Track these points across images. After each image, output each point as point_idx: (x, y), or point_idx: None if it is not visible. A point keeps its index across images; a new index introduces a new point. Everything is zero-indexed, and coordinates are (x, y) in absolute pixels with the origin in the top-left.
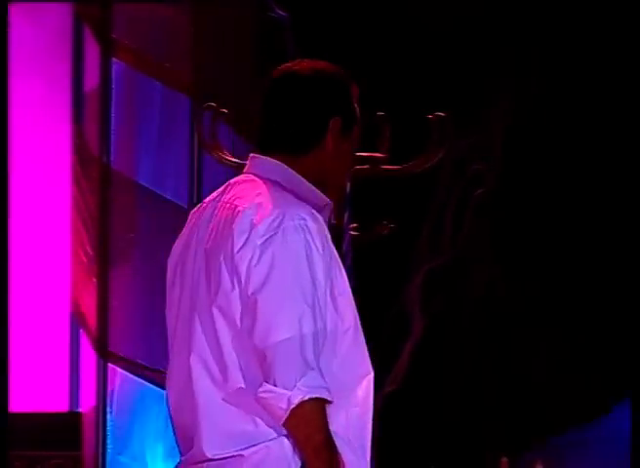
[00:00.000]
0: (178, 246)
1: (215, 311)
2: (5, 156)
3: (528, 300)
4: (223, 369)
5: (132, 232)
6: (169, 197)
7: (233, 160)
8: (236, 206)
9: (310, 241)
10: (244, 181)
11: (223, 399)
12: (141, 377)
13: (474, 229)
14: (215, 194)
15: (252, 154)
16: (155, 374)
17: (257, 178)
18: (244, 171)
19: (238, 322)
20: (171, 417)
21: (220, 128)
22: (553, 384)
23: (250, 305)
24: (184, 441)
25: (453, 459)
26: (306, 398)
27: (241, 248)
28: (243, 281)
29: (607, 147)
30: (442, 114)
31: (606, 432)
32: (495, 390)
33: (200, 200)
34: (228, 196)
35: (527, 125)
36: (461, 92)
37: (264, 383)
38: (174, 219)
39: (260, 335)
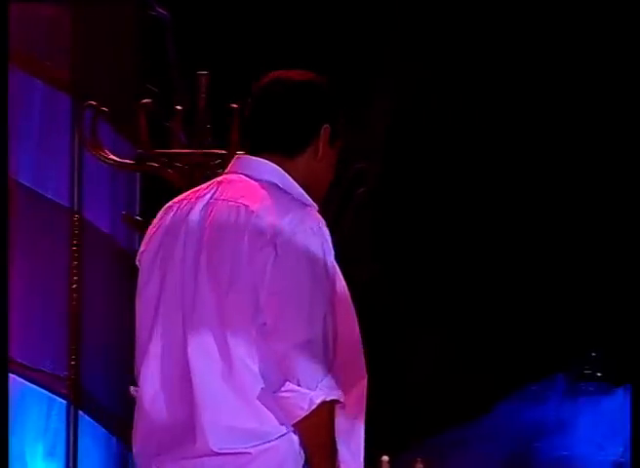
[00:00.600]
0: (151, 244)
1: (224, 306)
2: (5, 158)
3: (407, 299)
4: (229, 364)
5: (12, 231)
6: (50, 196)
7: (114, 158)
8: (246, 206)
9: (325, 245)
10: (238, 181)
11: (227, 394)
12: (22, 377)
13: (354, 228)
14: (199, 192)
15: (239, 154)
16: (36, 374)
17: (250, 180)
18: (229, 170)
19: (250, 318)
20: (145, 415)
21: (100, 126)
22: (433, 384)
23: (270, 305)
24: (172, 437)
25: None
26: (328, 399)
27: (260, 248)
28: (261, 280)
29: (484, 146)
30: None
31: (486, 430)
32: (374, 389)
33: (81, 199)
34: (227, 194)
35: (407, 124)
36: (342, 92)
37: (287, 382)
38: (55, 218)
39: (283, 336)
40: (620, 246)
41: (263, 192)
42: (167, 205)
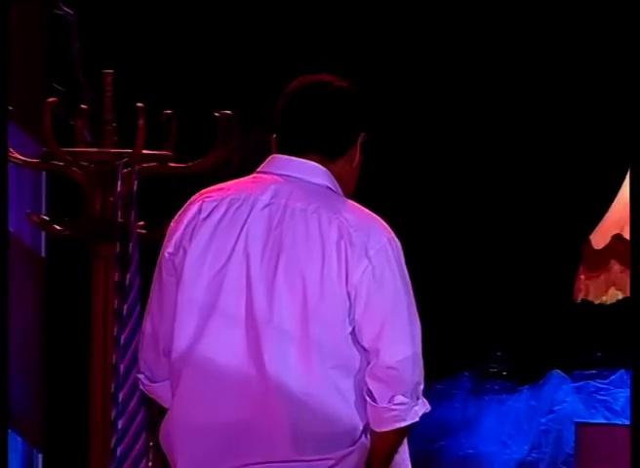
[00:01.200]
0: (197, 241)
1: (309, 315)
2: (5, 156)
3: None
4: (307, 369)
5: None
6: None
7: (19, 157)
8: (330, 218)
9: (402, 255)
10: (291, 183)
11: (303, 398)
12: None
13: None
14: (249, 191)
15: (278, 155)
16: None
17: (302, 182)
18: (269, 170)
19: (340, 329)
20: (188, 415)
21: None
22: None
23: (372, 320)
24: (226, 438)
25: None
26: (426, 411)
27: (358, 260)
28: (358, 293)
29: (398, 143)
30: (228, 112)
31: None
32: None
33: None
34: (296, 200)
35: None
36: (247, 91)
37: (398, 395)
38: None
39: (390, 352)
40: (525, 249)
41: (337, 199)
42: (206, 199)
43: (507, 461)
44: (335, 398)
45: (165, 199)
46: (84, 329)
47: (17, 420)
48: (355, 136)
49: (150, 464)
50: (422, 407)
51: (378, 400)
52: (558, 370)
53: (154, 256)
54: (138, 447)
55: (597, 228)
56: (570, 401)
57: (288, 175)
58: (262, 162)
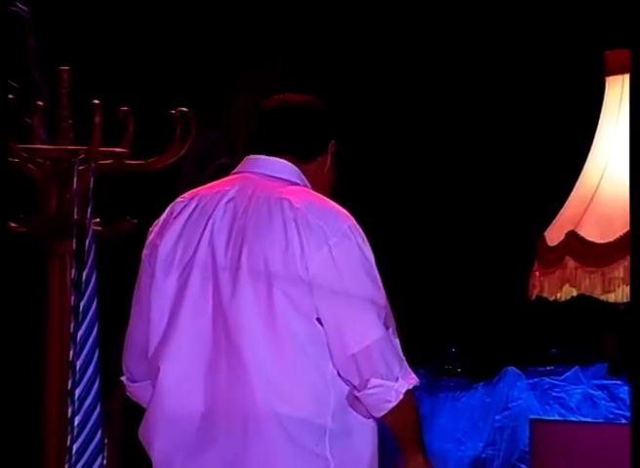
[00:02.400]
0: (167, 237)
1: (271, 302)
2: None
3: None
4: (280, 353)
5: None
6: None
7: None
8: (289, 200)
9: (365, 241)
10: (261, 179)
11: (281, 382)
12: None
13: None
14: (218, 188)
15: (252, 155)
16: None
17: (272, 178)
18: (242, 169)
19: (303, 316)
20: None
21: None
22: None
23: (335, 308)
24: (206, 429)
25: None
26: (411, 387)
27: (317, 247)
28: (320, 281)
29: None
30: (185, 110)
31: None
32: None
33: None
34: (260, 190)
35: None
36: (203, 88)
37: (372, 379)
38: None
39: (354, 339)
40: (480, 245)
41: (294, 188)
42: (178, 200)
43: (462, 458)
44: (314, 378)
45: (121, 196)
46: (39, 326)
47: None
48: (325, 142)
49: (105, 462)
50: (404, 383)
51: (357, 387)
52: (513, 367)
53: (110, 254)
54: (94, 444)
55: (552, 225)
56: (524, 397)
57: (259, 173)
58: (215, 160)
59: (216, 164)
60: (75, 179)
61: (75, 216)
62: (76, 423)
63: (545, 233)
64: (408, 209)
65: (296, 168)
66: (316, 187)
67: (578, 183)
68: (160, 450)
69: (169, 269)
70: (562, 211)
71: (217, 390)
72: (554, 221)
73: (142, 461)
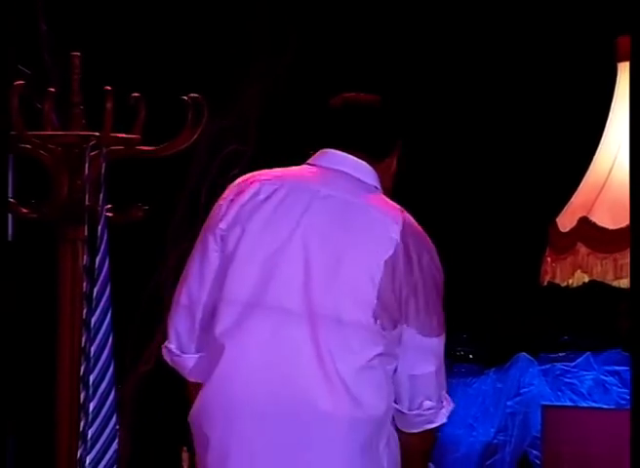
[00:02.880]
0: (257, 220)
1: (344, 309)
2: (5, 157)
3: None
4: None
5: None
6: None
7: None
8: (391, 221)
9: (440, 270)
10: (343, 178)
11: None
12: None
13: None
14: (304, 179)
15: (330, 150)
16: None
17: (356, 180)
18: (319, 163)
19: (371, 317)
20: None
21: None
22: None
23: (407, 330)
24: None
25: None
26: (451, 410)
27: (409, 274)
28: (403, 303)
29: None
30: (196, 95)
31: None
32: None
33: None
34: (357, 200)
35: (279, 108)
36: (215, 74)
37: (426, 401)
38: None
39: (420, 359)
40: (492, 231)
41: (389, 204)
42: (264, 180)
43: (473, 444)
44: (382, 381)
45: (133, 182)
46: (51, 312)
47: None
48: (395, 141)
49: (117, 447)
50: (448, 407)
51: (407, 406)
52: (524, 353)
53: (122, 239)
54: (109, 429)
55: (563, 211)
56: (536, 383)
57: (342, 171)
58: (227, 146)
59: (228, 150)
60: (87, 166)
61: (87, 203)
62: (91, 409)
63: (557, 219)
64: (420, 195)
65: (371, 169)
66: (383, 187)
67: (589, 169)
68: (219, 437)
69: (253, 254)
70: (574, 197)
71: (286, 384)
72: (566, 207)
73: (154, 447)
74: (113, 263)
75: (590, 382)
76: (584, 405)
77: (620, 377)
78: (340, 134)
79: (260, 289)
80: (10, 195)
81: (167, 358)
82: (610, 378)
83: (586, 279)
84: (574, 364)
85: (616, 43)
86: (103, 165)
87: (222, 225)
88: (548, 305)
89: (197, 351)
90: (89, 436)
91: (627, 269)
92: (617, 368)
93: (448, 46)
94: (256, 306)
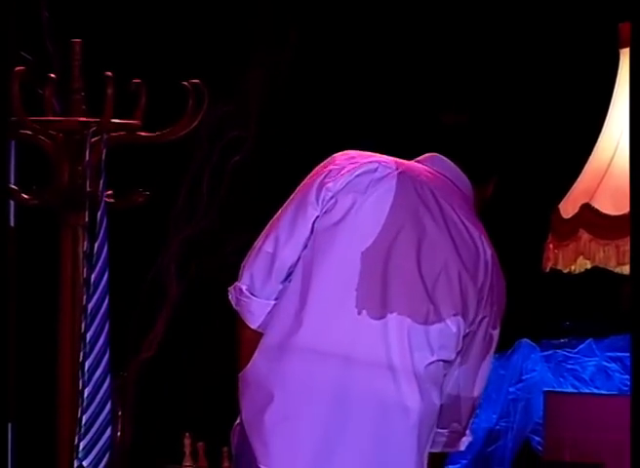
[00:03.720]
0: (374, 204)
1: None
2: (5, 159)
3: None
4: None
5: None
6: None
7: None
8: (482, 242)
9: None
10: (450, 187)
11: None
12: None
13: (231, 197)
14: (422, 178)
15: (438, 155)
16: None
17: (458, 188)
18: (429, 163)
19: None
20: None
21: None
22: None
23: (466, 348)
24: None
25: (206, 426)
26: (469, 442)
27: (486, 307)
28: (473, 331)
29: (355, 117)
30: (197, 81)
31: None
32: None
33: None
34: (456, 205)
35: (281, 94)
36: (216, 61)
37: (454, 424)
38: None
39: (469, 383)
40: (494, 218)
41: (478, 218)
42: (388, 168)
43: (476, 430)
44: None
45: (133, 168)
46: (52, 297)
47: None
48: (495, 171)
49: (118, 433)
50: (469, 438)
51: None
52: (527, 340)
53: (124, 225)
54: (103, 416)
55: (566, 197)
56: (538, 370)
57: (450, 180)
58: (228, 133)
59: (229, 136)
60: (87, 152)
61: (88, 189)
62: (86, 395)
63: (560, 206)
64: None
65: (472, 190)
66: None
67: (592, 156)
68: (287, 395)
69: (363, 226)
70: (576, 183)
71: (355, 369)
72: (568, 194)
73: (156, 433)
74: (115, 249)
75: (592, 368)
76: (586, 391)
77: (623, 364)
78: (455, 148)
79: (364, 263)
80: (11, 181)
81: (233, 299)
82: (612, 365)
83: (589, 265)
84: (576, 350)
85: (618, 29)
86: (104, 151)
87: (331, 186)
88: (551, 292)
89: (267, 298)
90: (83, 422)
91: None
92: (619, 354)
93: (447, 38)
94: (352, 281)
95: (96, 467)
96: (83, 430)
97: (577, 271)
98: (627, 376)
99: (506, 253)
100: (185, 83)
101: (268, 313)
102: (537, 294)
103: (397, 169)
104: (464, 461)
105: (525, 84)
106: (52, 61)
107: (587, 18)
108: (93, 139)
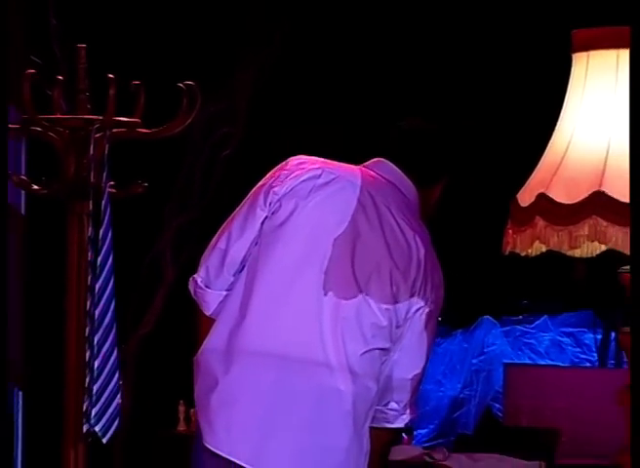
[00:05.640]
0: (311, 201)
1: (369, 300)
2: (5, 158)
3: None
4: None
5: None
6: None
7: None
8: (416, 242)
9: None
10: (391, 190)
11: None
12: None
13: (221, 189)
14: (358, 178)
15: (384, 160)
16: None
17: (400, 193)
18: (374, 168)
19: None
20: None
21: None
22: None
23: (403, 345)
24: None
25: None
26: (408, 420)
27: (421, 297)
28: (408, 321)
29: (337, 111)
30: (191, 83)
31: None
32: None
33: None
34: (394, 208)
35: (266, 94)
36: (208, 64)
37: (392, 402)
38: None
39: (404, 367)
40: (461, 206)
41: (417, 221)
42: (326, 169)
43: (442, 398)
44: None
45: (133, 161)
46: (60, 279)
47: None
48: (443, 174)
49: (120, 401)
50: (409, 416)
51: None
52: (488, 316)
53: (124, 213)
54: (112, 385)
55: (523, 188)
56: (498, 343)
57: (394, 184)
58: (219, 129)
59: (219, 133)
60: (92, 146)
61: (92, 180)
62: (95, 366)
63: (518, 195)
64: None
65: (416, 193)
66: (421, 212)
67: (547, 150)
68: (231, 382)
69: (302, 230)
70: (533, 175)
71: (294, 363)
72: (526, 185)
73: (153, 400)
74: (116, 235)
75: (547, 342)
76: (542, 363)
77: (575, 338)
78: (402, 153)
79: (302, 261)
80: (23, 173)
81: (191, 289)
82: (565, 339)
83: (544, 249)
84: (532, 326)
85: (572, 36)
86: (107, 146)
87: (277, 190)
88: (510, 273)
89: (220, 289)
90: (94, 391)
91: (581, 240)
92: (571, 329)
93: (425, 36)
94: (294, 277)
95: (107, 432)
96: (94, 399)
97: (533, 254)
98: (579, 349)
99: (471, 238)
100: (180, 84)
101: (220, 302)
102: (497, 276)
103: (340, 175)
104: (432, 426)
105: (491, 88)
106: (59, 65)
107: (543, 26)
108: (96, 135)
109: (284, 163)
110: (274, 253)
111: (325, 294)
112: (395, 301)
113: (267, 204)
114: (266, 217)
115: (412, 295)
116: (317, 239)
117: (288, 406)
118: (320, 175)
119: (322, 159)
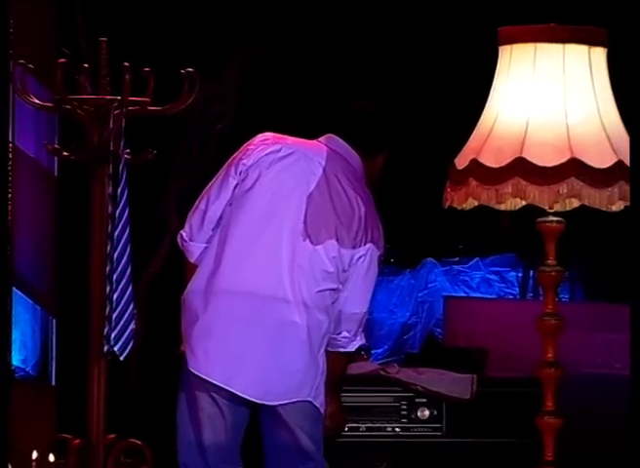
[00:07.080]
0: (274, 170)
1: (318, 248)
2: (6, 156)
3: None
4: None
5: None
6: None
7: (37, 102)
8: (358, 202)
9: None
10: (341, 161)
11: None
12: None
13: (214, 156)
14: (312, 149)
15: (334, 136)
16: None
17: (350, 166)
18: (327, 142)
19: (336, 278)
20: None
21: (28, 79)
22: None
23: (349, 285)
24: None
25: None
26: (358, 344)
27: (362, 245)
28: (353, 267)
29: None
30: (191, 70)
31: None
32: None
33: (14, 132)
34: (340, 175)
35: (251, 81)
36: (204, 52)
37: (344, 332)
38: None
39: (352, 303)
40: (410, 169)
41: (362, 186)
42: (284, 144)
43: (394, 324)
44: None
45: (145, 133)
46: (86, 228)
47: (36, 293)
48: (384, 147)
49: (134, 326)
50: (359, 342)
51: (332, 330)
52: (431, 258)
53: (137, 176)
54: (127, 314)
55: (459, 154)
56: (439, 280)
57: (342, 155)
58: (213, 108)
59: (214, 111)
60: (111, 121)
61: (111, 148)
62: (114, 298)
63: (455, 160)
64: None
65: (361, 162)
66: (368, 179)
67: (478, 124)
68: (209, 317)
69: (265, 193)
70: (467, 144)
71: (260, 301)
72: (461, 152)
73: (159, 330)
74: (130, 193)
75: (478, 279)
76: (474, 295)
77: (501, 276)
78: (350, 129)
79: (265, 219)
80: (56, 143)
81: (179, 242)
82: (493, 276)
83: (476, 204)
84: (467, 266)
85: (498, 32)
86: (123, 120)
87: (245, 162)
88: (449, 223)
89: (201, 242)
90: (113, 318)
91: (506, 197)
92: (498, 268)
93: (402, 31)
94: (259, 231)
95: (123, 351)
96: (113, 324)
97: (467, 208)
98: (504, 285)
99: (419, 194)
100: (183, 71)
101: (202, 252)
102: (439, 226)
103: (296, 150)
104: (386, 346)
105: (436, 75)
106: (85, 55)
107: (476, 23)
108: (115, 112)
109: (252, 139)
110: (243, 212)
111: (283, 245)
112: (340, 251)
113: (238, 173)
114: (237, 184)
115: (354, 246)
116: (277, 201)
117: (255, 335)
118: (280, 150)
119: (283, 135)
